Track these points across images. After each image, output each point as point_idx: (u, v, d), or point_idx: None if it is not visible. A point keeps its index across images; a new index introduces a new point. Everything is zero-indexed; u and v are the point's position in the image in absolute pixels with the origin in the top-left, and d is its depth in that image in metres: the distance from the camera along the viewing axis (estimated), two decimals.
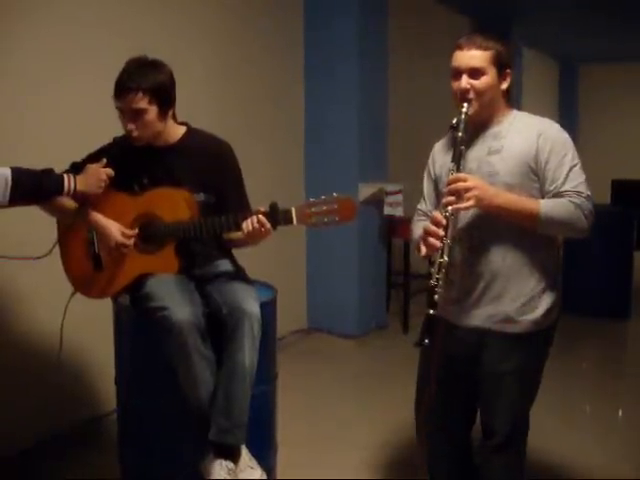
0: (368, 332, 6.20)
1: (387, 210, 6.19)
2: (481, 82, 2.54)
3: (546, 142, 2.53)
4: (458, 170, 2.55)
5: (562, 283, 7.09)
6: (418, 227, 2.79)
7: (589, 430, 4.41)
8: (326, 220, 2.78)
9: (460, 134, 2.57)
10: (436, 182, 2.81)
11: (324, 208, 2.77)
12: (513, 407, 2.72)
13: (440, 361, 2.74)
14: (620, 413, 4.82)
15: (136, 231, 2.98)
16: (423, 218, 2.86)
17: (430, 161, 2.89)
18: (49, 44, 3.87)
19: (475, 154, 2.64)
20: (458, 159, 2.57)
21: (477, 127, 2.65)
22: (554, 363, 5.46)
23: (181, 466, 2.98)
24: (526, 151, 2.54)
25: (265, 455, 3.16)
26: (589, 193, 2.52)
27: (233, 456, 2.81)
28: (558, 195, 2.51)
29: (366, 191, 6.06)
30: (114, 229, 2.95)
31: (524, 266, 2.61)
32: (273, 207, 2.80)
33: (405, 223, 6.00)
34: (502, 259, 2.60)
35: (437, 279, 2.49)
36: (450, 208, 2.50)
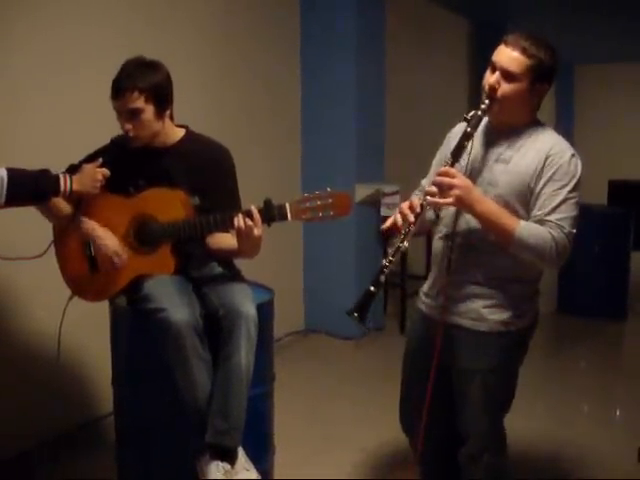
0: (365, 333, 6.20)
1: (384, 211, 6.18)
2: (510, 87, 2.46)
3: (551, 167, 2.47)
4: (454, 164, 2.52)
5: (559, 283, 7.15)
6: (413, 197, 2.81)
7: (586, 429, 4.41)
8: (321, 215, 2.77)
9: (469, 129, 2.52)
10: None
11: (318, 203, 2.76)
12: (482, 410, 2.70)
13: (415, 357, 2.82)
14: (617, 413, 4.82)
15: (125, 256, 2.98)
16: (419, 194, 2.88)
17: (446, 140, 2.83)
18: (47, 44, 3.85)
19: (484, 154, 2.61)
20: (457, 152, 2.53)
21: (497, 128, 2.61)
22: (551, 363, 5.53)
23: (178, 468, 2.97)
24: (530, 170, 2.49)
25: (262, 457, 3.16)
26: (572, 230, 2.47)
27: (230, 458, 2.80)
28: (540, 222, 2.47)
29: (363, 192, 6.05)
30: (110, 241, 2.96)
31: (506, 270, 2.60)
32: (267, 203, 2.78)
33: None
34: (486, 260, 2.61)
35: (390, 261, 2.51)
36: (428, 199, 2.48)
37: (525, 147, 2.54)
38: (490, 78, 2.50)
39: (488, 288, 2.61)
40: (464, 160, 2.58)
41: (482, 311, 2.62)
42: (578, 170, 2.50)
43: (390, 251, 2.53)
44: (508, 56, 2.45)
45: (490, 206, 2.48)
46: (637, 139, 14.36)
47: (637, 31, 10.25)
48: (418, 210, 2.49)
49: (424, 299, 2.86)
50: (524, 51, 2.43)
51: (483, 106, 2.52)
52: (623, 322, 7.01)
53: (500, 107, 2.52)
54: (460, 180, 2.45)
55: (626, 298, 7.16)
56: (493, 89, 2.49)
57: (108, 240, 2.96)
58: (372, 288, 2.51)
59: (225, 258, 3.15)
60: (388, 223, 2.59)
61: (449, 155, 2.54)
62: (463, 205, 2.48)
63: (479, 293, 2.62)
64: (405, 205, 2.55)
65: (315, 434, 4.27)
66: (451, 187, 2.44)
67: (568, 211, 2.47)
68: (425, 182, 2.93)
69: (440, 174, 2.48)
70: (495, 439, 2.77)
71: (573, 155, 2.51)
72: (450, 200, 2.45)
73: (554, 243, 2.44)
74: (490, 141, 2.62)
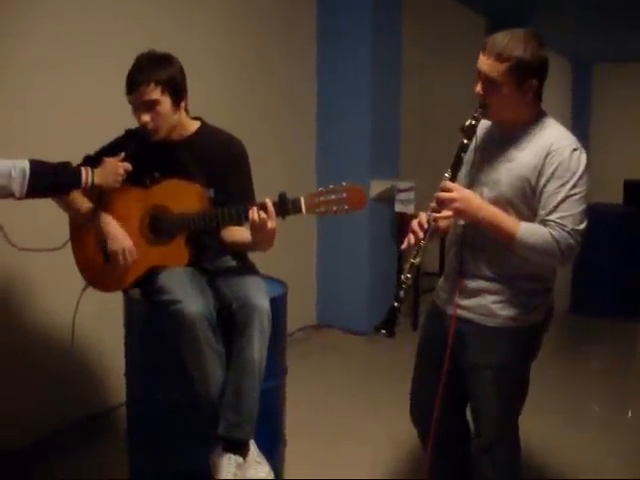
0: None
1: (398, 207, 6.18)
2: (496, 93, 2.49)
3: (551, 164, 2.46)
4: (453, 178, 2.58)
5: (573, 283, 7.11)
6: None
7: (598, 430, 4.40)
8: (335, 209, 2.77)
9: (465, 141, 2.57)
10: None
11: (333, 197, 2.77)
12: (495, 405, 2.71)
13: (428, 350, 2.87)
14: (629, 414, 4.80)
15: (135, 255, 3.01)
16: None
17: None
18: (58, 33, 3.86)
19: (490, 155, 2.63)
20: (455, 167, 2.59)
21: (500, 127, 2.63)
22: (563, 362, 5.51)
23: (189, 460, 2.99)
24: (531, 167, 2.50)
25: (274, 450, 3.17)
26: (576, 227, 2.45)
27: (242, 451, 2.81)
28: (543, 222, 2.47)
29: (378, 188, 6.06)
30: (121, 238, 2.99)
31: (516, 267, 2.60)
32: (282, 196, 2.80)
33: None
34: (495, 257, 2.62)
35: (407, 277, 2.59)
36: (433, 214, 2.56)
37: (528, 144, 2.55)
38: (476, 87, 2.55)
39: (499, 284, 2.63)
40: (470, 157, 2.64)
41: (492, 307, 2.63)
42: (581, 164, 2.47)
43: (406, 267, 2.62)
44: (486, 63, 2.47)
45: (491, 212, 2.52)
46: None
47: None
48: (426, 226, 2.58)
49: (440, 293, 2.87)
50: (499, 56, 2.43)
51: (476, 114, 2.56)
52: (637, 323, 6.97)
53: (493, 112, 2.57)
54: (458, 193, 2.52)
55: None
56: (481, 97, 2.54)
57: (119, 237, 2.98)
58: (395, 304, 2.60)
59: (239, 251, 3.16)
60: (405, 245, 2.64)
61: (448, 168, 2.60)
62: (464, 216, 2.56)
63: (490, 289, 2.64)
64: (415, 223, 2.62)
65: (326, 428, 4.27)
66: (450, 201, 2.51)
67: (570, 209, 2.45)
68: None
69: (440, 189, 2.55)
70: (507, 434, 2.78)
71: (575, 149, 2.49)
72: (449, 214, 2.53)
73: (555, 243, 2.44)
74: (495, 141, 2.64)
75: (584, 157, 2.50)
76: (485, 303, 2.65)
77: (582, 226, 2.48)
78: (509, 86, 2.47)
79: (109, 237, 2.99)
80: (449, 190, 2.52)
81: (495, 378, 2.67)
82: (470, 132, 2.57)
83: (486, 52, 2.48)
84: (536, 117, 2.60)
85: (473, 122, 2.56)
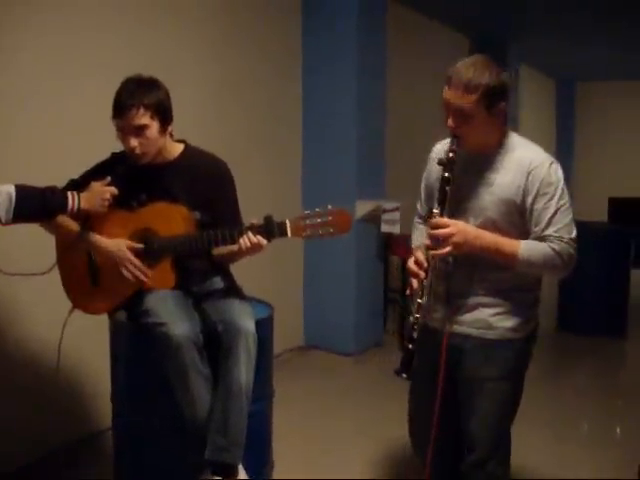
0: (365, 349, 6.19)
1: (384, 227, 6.19)
2: (469, 124, 2.52)
3: (534, 183, 2.52)
4: (442, 213, 2.58)
5: (559, 301, 7.11)
6: (416, 232, 2.96)
7: (585, 448, 4.39)
8: (321, 232, 2.79)
9: (447, 174, 2.58)
10: (431, 189, 2.81)
11: (318, 220, 2.78)
12: (491, 418, 2.72)
13: (422, 369, 2.82)
14: (617, 431, 4.81)
15: (142, 245, 2.98)
16: (420, 221, 2.98)
17: (428, 166, 2.88)
18: (43, 54, 3.85)
19: (469, 180, 2.65)
20: (442, 201, 2.59)
21: (475, 153, 2.65)
22: (551, 380, 5.52)
23: None
24: (514, 189, 2.54)
25: (261, 473, 3.16)
26: (571, 236, 2.54)
27: (230, 474, 2.80)
28: (540, 238, 2.53)
29: (363, 208, 6.06)
30: (118, 247, 2.96)
31: (509, 280, 2.64)
32: (268, 220, 2.81)
33: (402, 240, 6.02)
34: (489, 273, 2.65)
35: (416, 318, 2.60)
36: (430, 253, 2.57)
37: (504, 165, 2.59)
38: (448, 120, 2.56)
39: (495, 298, 2.66)
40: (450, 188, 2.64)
41: (490, 319, 2.66)
42: (560, 176, 2.56)
43: (414, 308, 2.63)
44: (454, 96, 2.49)
45: (488, 238, 2.56)
46: (638, 156, 14.39)
47: (638, 49, 10.28)
48: (426, 265, 2.59)
49: (431, 312, 2.86)
50: (467, 88, 2.46)
51: (453, 147, 2.58)
52: (623, 340, 7.00)
53: (468, 141, 2.59)
54: (453, 228, 2.54)
55: (626, 316, 7.14)
56: (453, 129, 2.56)
57: (116, 246, 2.96)
58: (410, 346, 2.61)
59: (226, 262, 3.17)
60: (409, 290, 2.67)
61: (436, 204, 2.61)
62: (463, 248, 2.56)
63: (486, 303, 2.67)
64: (411, 263, 2.65)
65: (314, 450, 4.25)
66: (448, 236, 2.52)
67: (563, 220, 2.53)
68: (418, 210, 3.02)
69: (433, 226, 2.56)
70: (502, 447, 2.79)
71: (551, 163, 2.57)
72: (449, 249, 2.55)
73: (557, 255, 2.51)
74: (471, 166, 2.66)
75: (560, 169, 2.59)
76: (483, 317, 2.68)
77: (575, 234, 2.57)
78: (481, 114, 2.50)
79: (106, 254, 2.97)
80: (444, 226, 2.54)
81: (495, 390, 2.69)
82: (452, 165, 2.58)
83: (452, 86, 2.49)
84: (504, 137, 2.65)
85: (451, 155, 2.58)
